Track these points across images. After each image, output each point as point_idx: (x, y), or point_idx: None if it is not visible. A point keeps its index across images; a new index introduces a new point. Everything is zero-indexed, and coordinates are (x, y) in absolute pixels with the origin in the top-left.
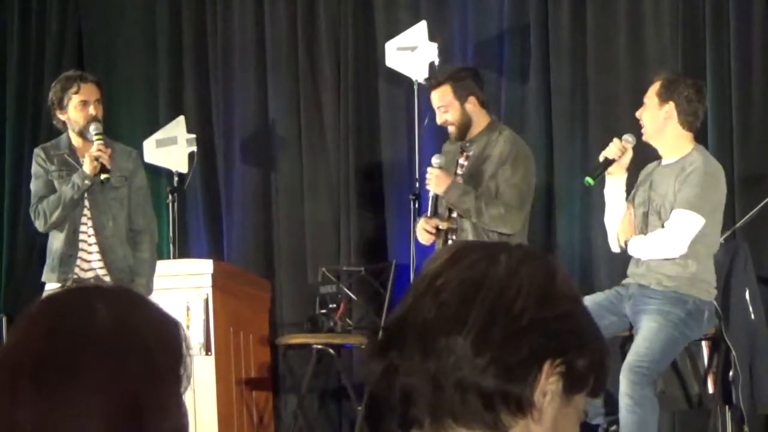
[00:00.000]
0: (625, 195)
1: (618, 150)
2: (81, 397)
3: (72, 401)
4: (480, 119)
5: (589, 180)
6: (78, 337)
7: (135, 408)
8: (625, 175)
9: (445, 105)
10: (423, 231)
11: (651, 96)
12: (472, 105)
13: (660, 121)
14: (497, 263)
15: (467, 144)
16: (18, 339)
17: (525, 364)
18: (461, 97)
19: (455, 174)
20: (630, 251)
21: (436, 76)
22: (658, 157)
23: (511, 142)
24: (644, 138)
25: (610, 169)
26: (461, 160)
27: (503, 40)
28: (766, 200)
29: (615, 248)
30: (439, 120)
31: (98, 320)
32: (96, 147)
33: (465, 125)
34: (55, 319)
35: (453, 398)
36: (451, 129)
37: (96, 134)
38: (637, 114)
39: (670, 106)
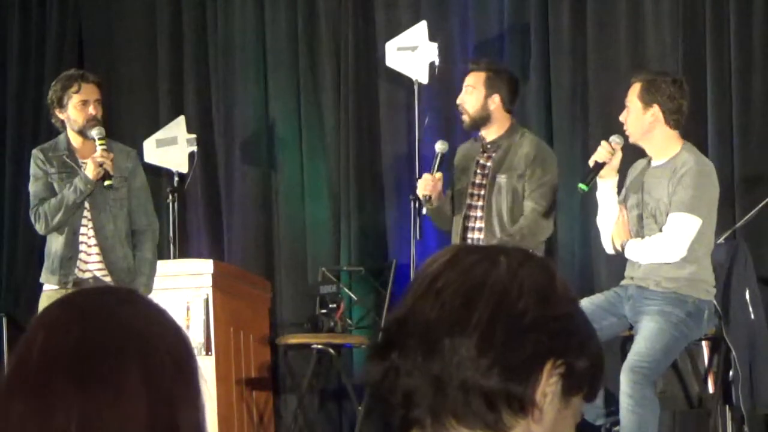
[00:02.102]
0: (617, 197)
1: (607, 153)
2: (126, 393)
3: (117, 398)
4: (502, 121)
5: (582, 186)
6: (114, 334)
7: (171, 401)
8: (616, 177)
9: (472, 86)
10: (427, 181)
11: (633, 100)
12: (495, 104)
13: (646, 125)
14: (497, 264)
15: (488, 146)
16: (48, 339)
17: (528, 364)
18: (489, 89)
19: (474, 173)
20: (627, 255)
21: (478, 61)
22: (647, 154)
23: (537, 144)
24: (631, 141)
25: (601, 172)
26: (482, 161)
27: (503, 40)
28: (766, 200)
29: (609, 250)
30: (459, 99)
31: (132, 321)
32: (99, 153)
33: (479, 118)
34: (92, 322)
35: (456, 398)
36: (464, 117)
37: (99, 139)
38: (621, 118)
39: (655, 108)
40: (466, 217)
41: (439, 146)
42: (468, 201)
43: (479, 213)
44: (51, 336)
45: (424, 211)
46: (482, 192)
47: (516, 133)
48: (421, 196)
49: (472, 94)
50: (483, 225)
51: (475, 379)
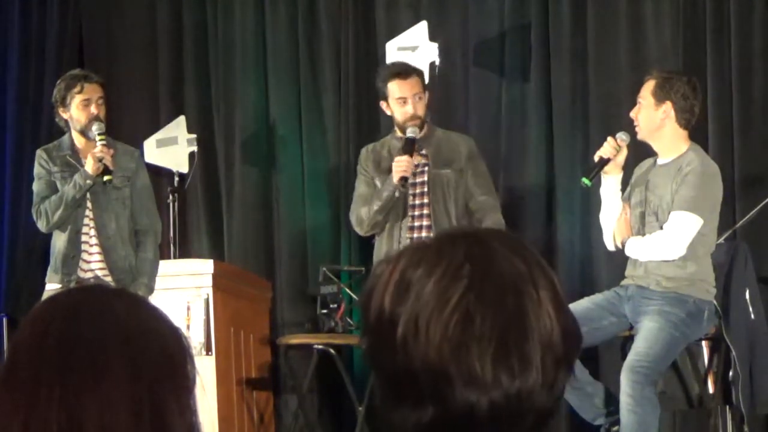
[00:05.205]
0: (620, 193)
1: (612, 149)
2: (109, 387)
3: (100, 392)
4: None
5: (585, 180)
6: (100, 330)
7: (157, 400)
8: (620, 174)
9: (420, 93)
10: (407, 163)
11: (646, 96)
12: (428, 102)
13: (657, 121)
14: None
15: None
16: (33, 333)
17: None
18: (425, 90)
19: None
20: (627, 252)
21: (405, 67)
22: (653, 153)
23: (464, 138)
24: (639, 137)
25: (605, 168)
26: (414, 161)
27: (503, 40)
28: (766, 200)
29: (610, 246)
30: (411, 110)
31: (116, 314)
32: (99, 148)
33: (425, 118)
34: (74, 314)
35: None
36: (417, 124)
37: (99, 134)
38: (632, 114)
39: (668, 105)
40: (409, 217)
41: (411, 131)
42: (408, 201)
43: (423, 211)
44: (36, 329)
45: (396, 193)
46: (418, 190)
47: (435, 128)
48: (397, 180)
49: (422, 99)
50: (431, 223)
51: None
